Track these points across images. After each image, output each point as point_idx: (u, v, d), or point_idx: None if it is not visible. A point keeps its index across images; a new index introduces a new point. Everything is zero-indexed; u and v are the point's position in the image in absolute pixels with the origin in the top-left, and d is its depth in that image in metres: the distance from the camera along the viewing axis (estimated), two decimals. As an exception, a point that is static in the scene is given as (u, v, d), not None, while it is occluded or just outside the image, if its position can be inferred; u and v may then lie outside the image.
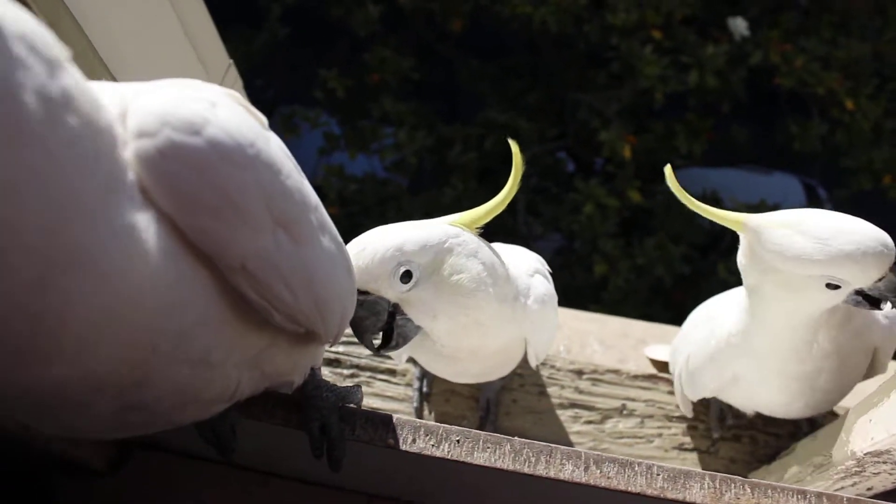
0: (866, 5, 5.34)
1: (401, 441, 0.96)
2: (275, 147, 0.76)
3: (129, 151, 0.65)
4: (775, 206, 5.07)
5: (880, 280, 1.16)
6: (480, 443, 0.95)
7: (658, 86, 5.01)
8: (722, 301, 1.57)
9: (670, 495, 0.91)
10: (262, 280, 0.72)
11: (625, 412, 1.67)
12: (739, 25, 5.18)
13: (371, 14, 5.70)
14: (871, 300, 1.20)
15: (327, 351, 1.68)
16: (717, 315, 1.51)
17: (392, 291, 1.18)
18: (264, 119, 0.83)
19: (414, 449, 0.95)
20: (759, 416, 1.70)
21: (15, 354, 0.60)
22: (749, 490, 0.91)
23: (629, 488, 0.91)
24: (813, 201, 5.99)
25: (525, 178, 1.25)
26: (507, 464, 0.93)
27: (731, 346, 1.42)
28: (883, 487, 1.17)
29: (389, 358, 1.64)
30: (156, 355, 0.69)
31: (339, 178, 5.54)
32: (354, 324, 1.16)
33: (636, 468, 0.92)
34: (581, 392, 1.70)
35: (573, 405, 1.68)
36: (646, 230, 5.24)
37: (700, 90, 5.10)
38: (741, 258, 1.30)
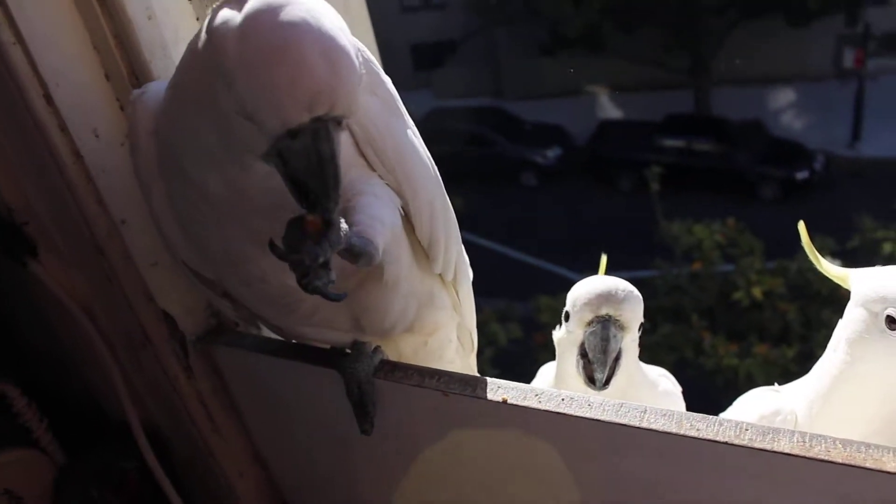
0: None
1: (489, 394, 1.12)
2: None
3: None
4: None
5: None
6: (586, 405, 1.07)
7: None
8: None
9: (758, 446, 0.92)
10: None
11: None
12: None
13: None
14: None
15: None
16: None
17: (631, 333, 1.30)
18: None
19: (524, 403, 1.09)
20: None
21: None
22: (841, 446, 0.89)
23: (718, 438, 0.95)
24: None
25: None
26: (607, 416, 1.03)
27: None
28: None
29: None
30: None
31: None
32: (599, 342, 1.27)
33: (724, 424, 0.97)
34: None
35: None
36: None
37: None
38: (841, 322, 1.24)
